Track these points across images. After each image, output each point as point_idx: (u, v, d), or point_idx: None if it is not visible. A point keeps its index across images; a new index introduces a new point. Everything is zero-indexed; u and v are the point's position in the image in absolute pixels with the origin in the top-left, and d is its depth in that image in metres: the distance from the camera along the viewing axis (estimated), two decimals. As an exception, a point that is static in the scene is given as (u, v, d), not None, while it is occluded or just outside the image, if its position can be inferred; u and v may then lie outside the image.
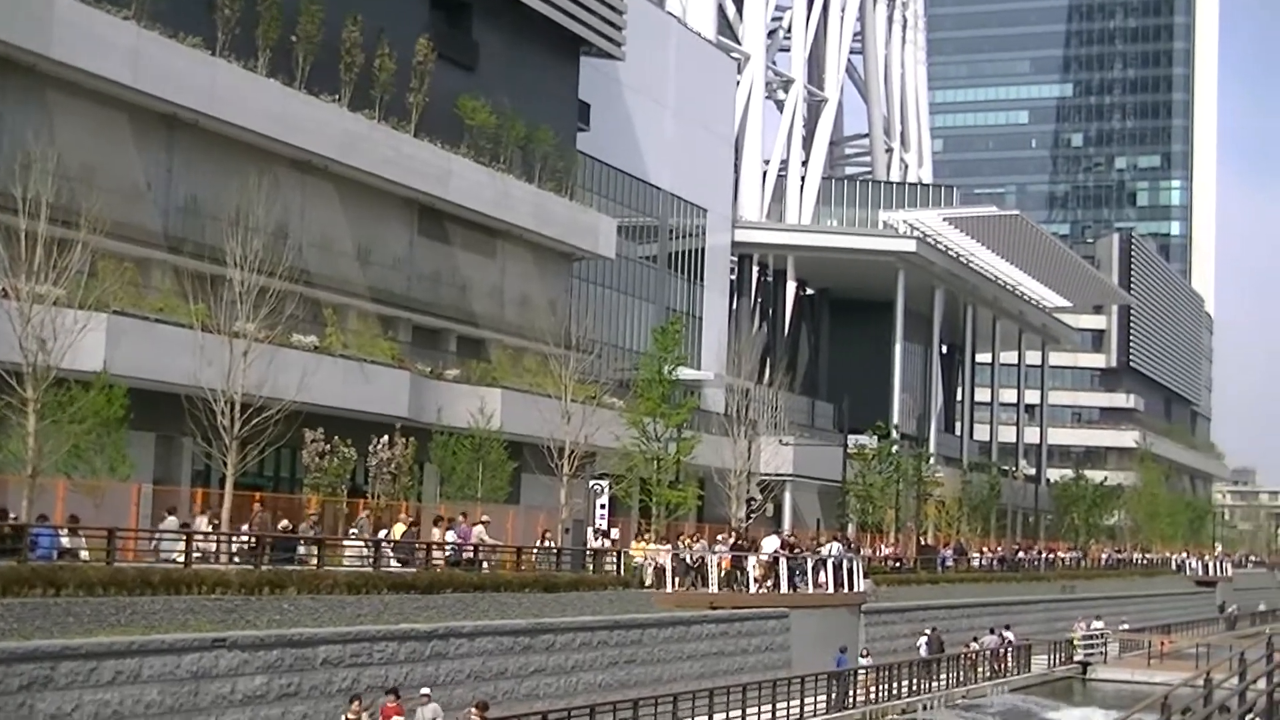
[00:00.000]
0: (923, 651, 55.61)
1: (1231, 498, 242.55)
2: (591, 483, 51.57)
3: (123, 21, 43.59)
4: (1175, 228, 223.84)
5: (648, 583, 46.51)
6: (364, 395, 48.39)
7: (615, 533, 51.55)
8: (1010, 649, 61.93)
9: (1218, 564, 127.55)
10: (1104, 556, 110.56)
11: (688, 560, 48.09)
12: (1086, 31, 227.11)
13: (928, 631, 57.36)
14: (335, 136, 52.12)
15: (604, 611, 41.50)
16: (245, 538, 35.76)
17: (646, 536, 52.85)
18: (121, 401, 33.92)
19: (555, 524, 47.61)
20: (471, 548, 41.36)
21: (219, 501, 37.32)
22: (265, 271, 38.29)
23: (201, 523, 36.81)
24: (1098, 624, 72.28)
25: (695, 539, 52.42)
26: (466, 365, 57.72)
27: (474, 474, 48.65)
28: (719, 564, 48.67)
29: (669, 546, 49.17)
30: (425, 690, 31.57)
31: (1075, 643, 68.80)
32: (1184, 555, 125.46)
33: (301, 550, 36.64)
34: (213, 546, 34.61)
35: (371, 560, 37.41)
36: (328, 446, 41.77)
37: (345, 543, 38.97)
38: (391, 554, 38.81)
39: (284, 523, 38.81)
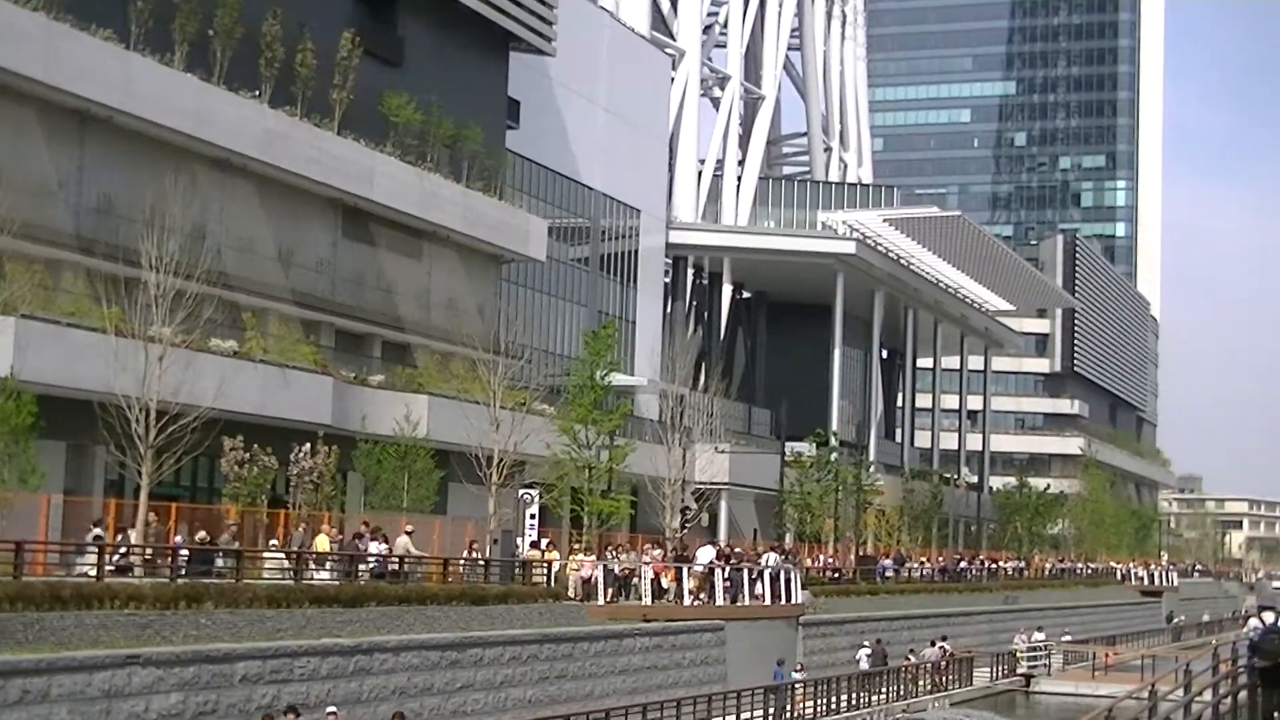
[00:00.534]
0: (864, 664, 55.82)
1: (1178, 505, 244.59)
2: (521, 492, 51.53)
3: (31, 13, 43.20)
4: (1120, 229, 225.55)
5: (573, 595, 46.44)
6: (285, 402, 48.14)
7: (545, 543, 51.51)
8: (951, 661, 62.27)
9: (1164, 573, 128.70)
10: (1048, 566, 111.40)
11: (616, 571, 48.06)
12: (1029, 28, 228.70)
13: (868, 644, 57.60)
14: (255, 134, 51.85)
15: (534, 624, 41.51)
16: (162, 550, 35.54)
17: (575, 546, 52.86)
18: (30, 409, 33.62)
19: (483, 535, 47.54)
20: (397, 559, 41.25)
21: (133, 513, 37.05)
22: (182, 274, 38.07)
23: (133, 536, 36.45)
24: (1039, 635, 72.82)
25: (622, 549, 52.41)
26: (391, 371, 57.55)
27: (399, 483, 48.59)
28: (652, 575, 48.68)
29: (593, 557, 49.05)
30: (332, 709, 31.36)
31: (1019, 655, 69.28)
32: (1129, 565, 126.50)
33: (220, 563, 36.44)
34: (133, 559, 34.39)
35: (293, 573, 37.26)
36: (247, 455, 41.55)
37: (265, 555, 38.81)
38: (314, 566, 38.69)
39: (201, 534, 38.59)
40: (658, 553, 52.23)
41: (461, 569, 44.29)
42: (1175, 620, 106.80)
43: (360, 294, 59.45)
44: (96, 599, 29.99)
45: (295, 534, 41.64)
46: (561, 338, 79.98)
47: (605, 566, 47.81)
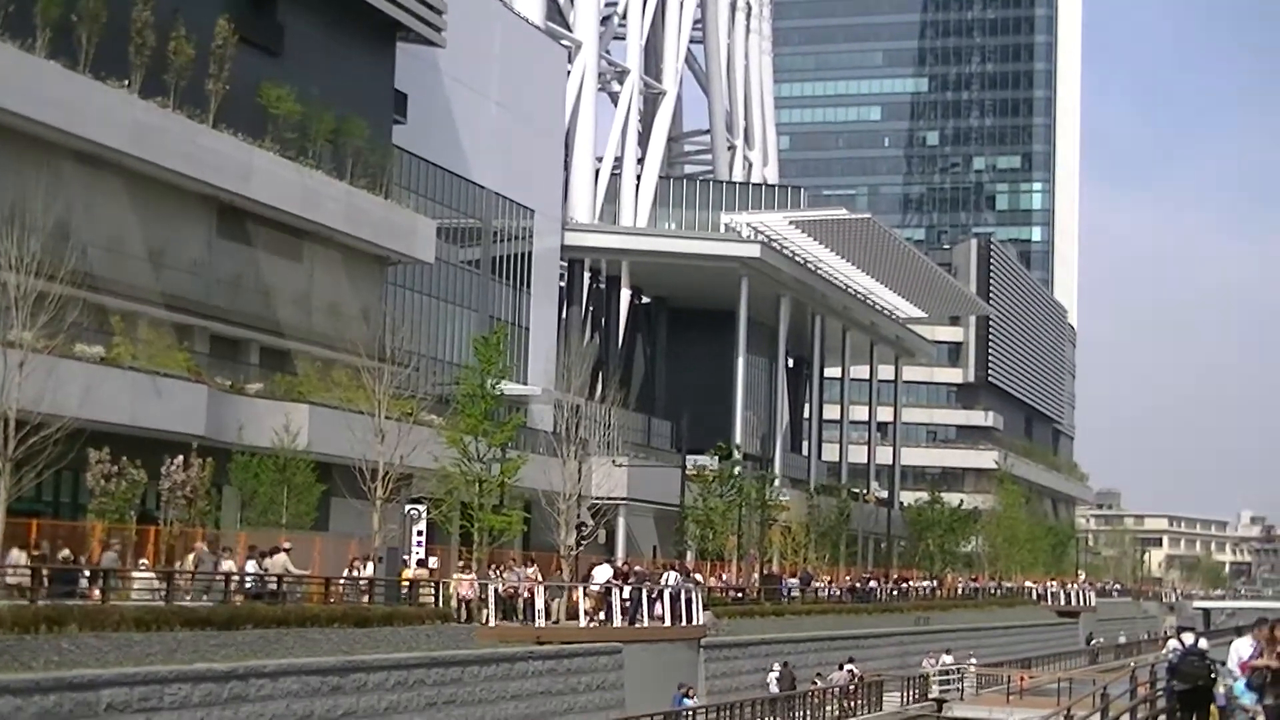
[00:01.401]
0: (773, 687, 56.03)
1: (1095, 522, 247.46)
2: (408, 507, 51.34)
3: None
4: (1036, 233, 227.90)
5: (462, 618, 46.26)
6: (156, 412, 47.73)
7: (434, 561, 51.31)
8: (860, 685, 62.61)
9: (1081, 593, 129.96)
10: (961, 586, 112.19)
11: (500, 590, 47.80)
12: (943, 22, 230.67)
13: (778, 666, 57.81)
14: (124, 126, 51.38)
15: (420, 647, 41.33)
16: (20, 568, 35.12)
17: (460, 565, 52.68)
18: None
19: (367, 552, 47.33)
20: (275, 579, 40.98)
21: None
22: (44, 275, 37.71)
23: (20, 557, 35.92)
24: (947, 658, 73.24)
25: (506, 568, 52.20)
26: (270, 379, 57.21)
27: (278, 498, 48.31)
28: (526, 594, 48.45)
29: (471, 575, 48.81)
30: None
31: (930, 678, 69.74)
32: (1045, 584, 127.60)
33: (84, 583, 36.05)
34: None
35: (164, 594, 36.94)
36: (115, 468, 41.12)
37: (135, 575, 38.44)
38: (187, 585, 38.37)
39: (64, 552, 38.15)
40: (531, 570, 52.06)
41: (344, 589, 44.06)
42: (1094, 642, 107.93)
43: (237, 297, 59.06)
44: (-51, 623, 29.63)
45: (200, 552, 41.19)
46: (451, 344, 79.77)
47: (491, 586, 47.61)
